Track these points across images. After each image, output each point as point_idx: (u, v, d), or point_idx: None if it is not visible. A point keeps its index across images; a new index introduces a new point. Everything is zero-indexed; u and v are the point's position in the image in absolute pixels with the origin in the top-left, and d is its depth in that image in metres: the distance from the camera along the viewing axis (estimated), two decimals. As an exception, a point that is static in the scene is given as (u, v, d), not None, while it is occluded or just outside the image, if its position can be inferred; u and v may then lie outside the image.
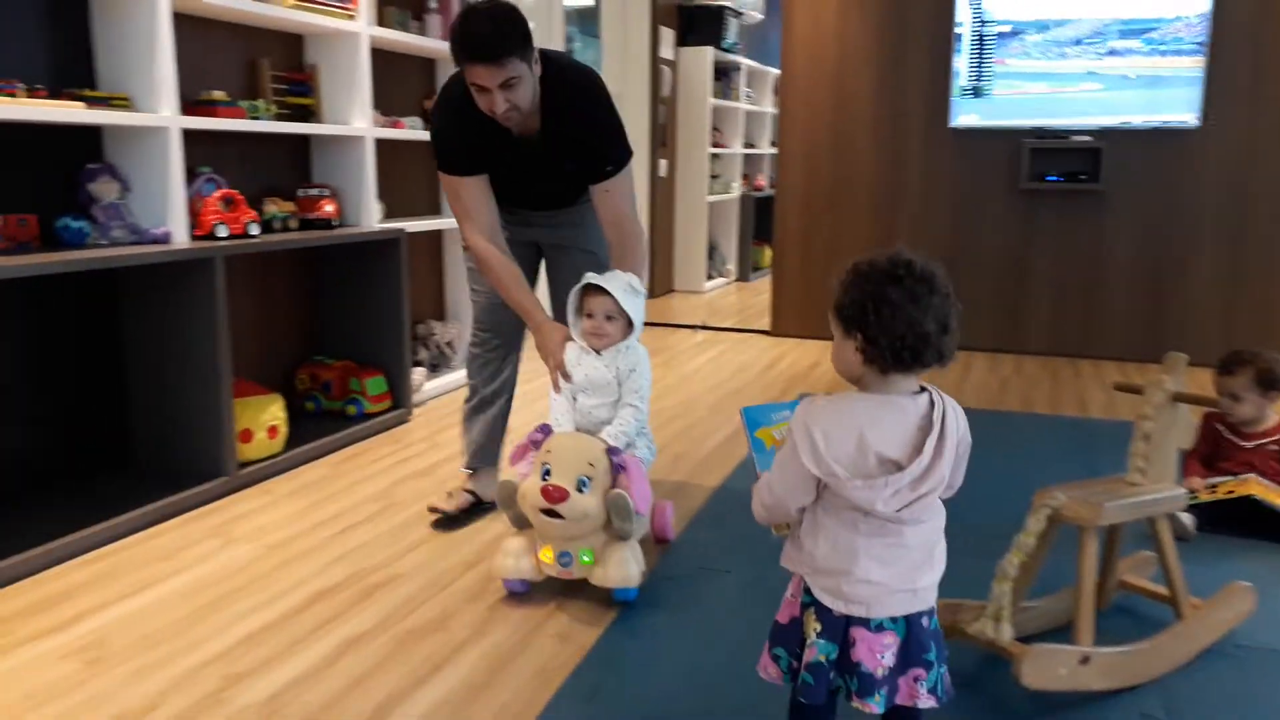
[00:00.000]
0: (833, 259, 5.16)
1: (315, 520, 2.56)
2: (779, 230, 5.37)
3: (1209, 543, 2.40)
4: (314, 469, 2.99)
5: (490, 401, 2.61)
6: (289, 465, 2.97)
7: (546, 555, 2.03)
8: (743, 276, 7.82)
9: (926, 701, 1.32)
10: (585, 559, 2.02)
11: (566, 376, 2.19)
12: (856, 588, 1.29)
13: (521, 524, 2.09)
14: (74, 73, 2.59)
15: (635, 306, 2.15)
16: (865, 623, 1.30)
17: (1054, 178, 4.74)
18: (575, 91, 2.25)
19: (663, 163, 6.71)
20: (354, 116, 3.40)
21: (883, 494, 1.25)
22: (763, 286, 7.17)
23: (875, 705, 1.30)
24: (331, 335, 3.54)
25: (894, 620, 1.31)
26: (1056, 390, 4.17)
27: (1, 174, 2.44)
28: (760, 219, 7.69)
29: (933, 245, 4.94)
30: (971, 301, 4.89)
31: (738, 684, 1.74)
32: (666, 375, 4.41)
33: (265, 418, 2.89)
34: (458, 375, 4.01)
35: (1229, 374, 2.58)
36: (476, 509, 2.60)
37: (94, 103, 2.48)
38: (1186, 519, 2.41)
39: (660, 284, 6.90)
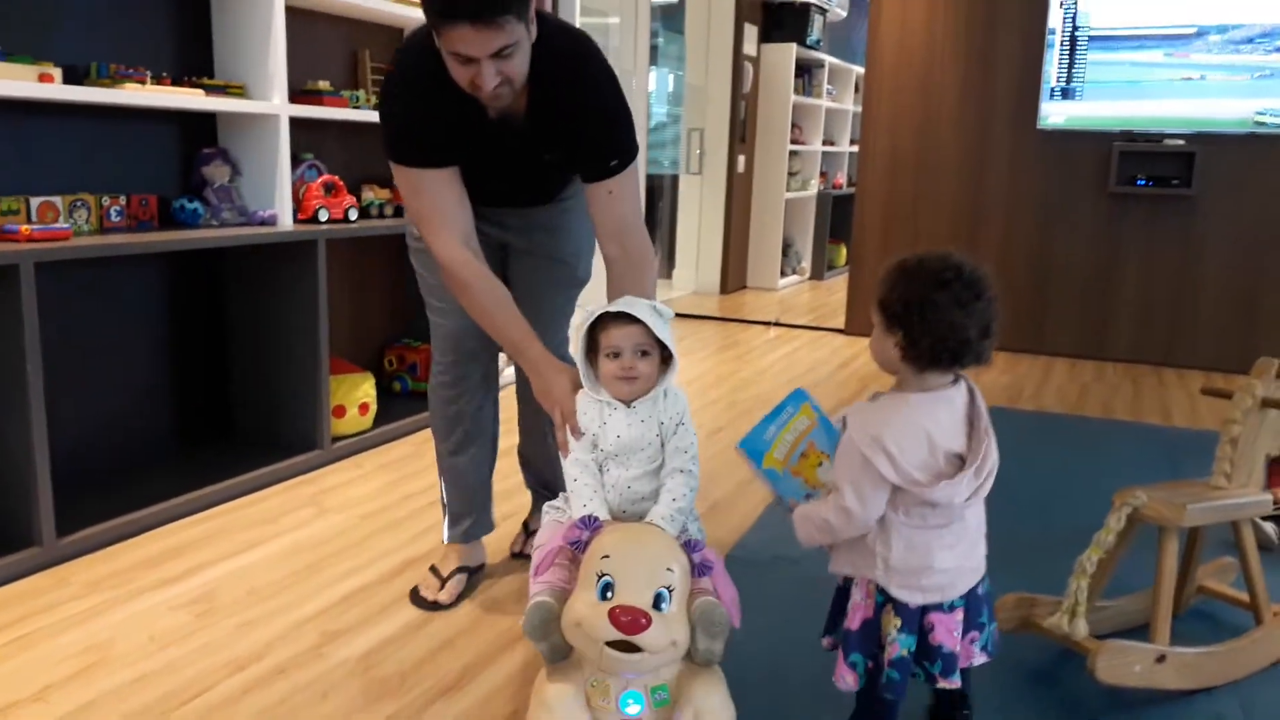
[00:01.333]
0: (911, 258, 5.15)
1: (403, 493, 2.68)
2: (858, 228, 5.36)
3: (1294, 554, 2.37)
4: (400, 446, 3.11)
5: (470, 453, 2.08)
6: (378, 441, 3.10)
7: (602, 696, 1.36)
8: (817, 275, 7.80)
9: (980, 659, 1.42)
10: (660, 699, 1.36)
11: (576, 432, 1.63)
12: (935, 578, 1.36)
13: (559, 655, 1.39)
14: (194, 62, 2.75)
15: (668, 335, 1.57)
16: (939, 606, 1.36)
17: (1144, 182, 4.65)
18: (574, 64, 1.73)
19: (741, 158, 6.74)
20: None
21: (960, 490, 1.31)
22: (837, 285, 7.15)
23: (957, 680, 1.37)
24: (420, 319, 3.65)
25: (962, 597, 1.39)
26: (1139, 397, 4.10)
27: (127, 156, 2.60)
28: (836, 217, 7.66)
29: (1016, 249, 4.89)
30: (1054, 306, 4.89)
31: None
32: (740, 369, 4.45)
33: (358, 395, 3.02)
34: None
35: None
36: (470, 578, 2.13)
37: (212, 90, 2.63)
38: (1270, 528, 2.38)
39: (734, 280, 6.93)
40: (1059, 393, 4.15)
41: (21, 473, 2.09)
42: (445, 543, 2.14)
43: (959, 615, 1.38)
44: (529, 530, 2.35)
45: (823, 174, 7.99)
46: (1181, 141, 4.57)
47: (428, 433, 3.39)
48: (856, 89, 8.17)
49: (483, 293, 1.76)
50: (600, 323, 1.58)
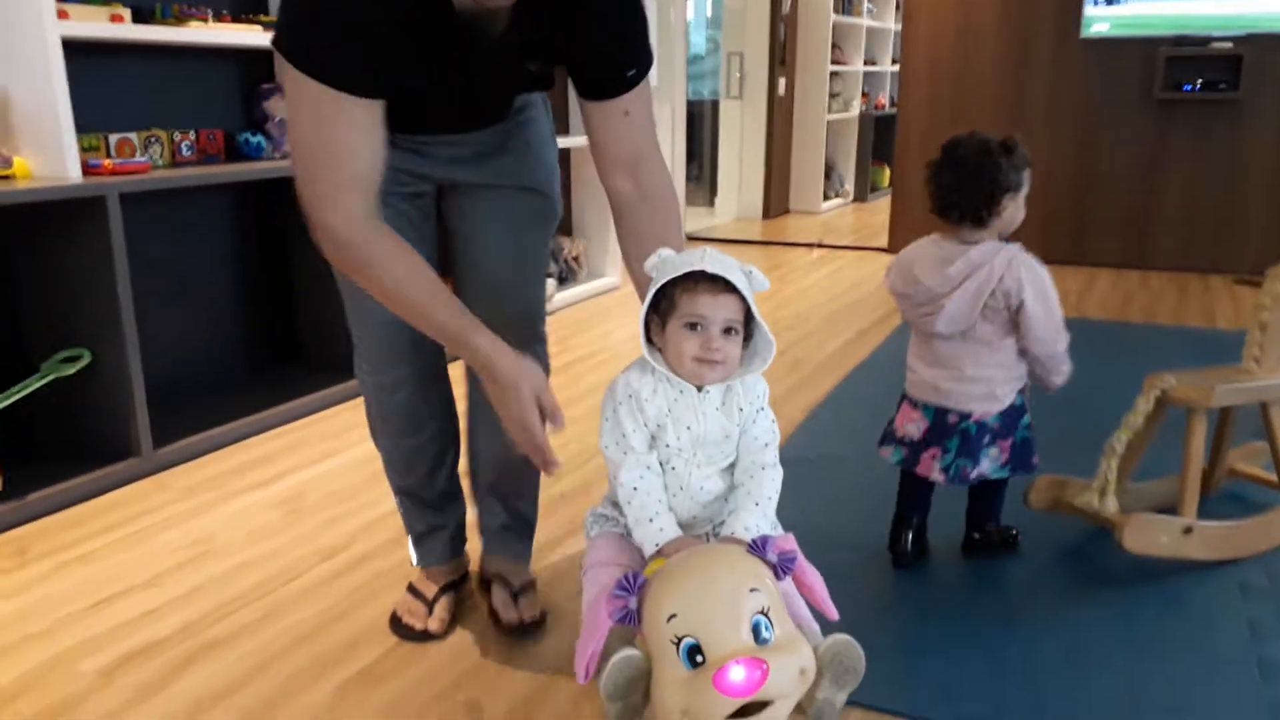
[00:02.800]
0: (953, 175, 5.14)
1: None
2: (900, 147, 5.36)
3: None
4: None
5: (423, 468, 1.65)
6: (438, 362, 3.25)
7: None
8: (860, 197, 7.78)
9: (937, 476, 1.76)
10: None
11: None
12: (910, 375, 1.83)
13: (632, 715, 1.09)
14: (251, 0, 2.86)
15: (757, 312, 1.21)
16: (911, 401, 1.82)
17: (1189, 87, 4.59)
18: None
19: (782, 81, 6.71)
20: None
21: (904, 305, 1.80)
22: (880, 207, 7.14)
23: (890, 454, 1.85)
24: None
25: (926, 406, 1.78)
26: (1183, 304, 4.12)
27: (194, 93, 2.73)
28: (880, 138, 7.61)
29: (1060, 161, 4.87)
30: (1097, 217, 4.87)
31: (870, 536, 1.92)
32: (783, 288, 4.53)
33: (417, 318, 3.16)
34: (585, 286, 4.25)
35: None
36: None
37: (269, 26, 2.74)
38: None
39: (776, 204, 6.96)
40: (1101, 300, 4.17)
41: (120, 390, 2.27)
42: (416, 566, 1.74)
43: (919, 416, 1.79)
44: (485, 579, 1.76)
45: (864, 95, 7.91)
46: (1230, 44, 4.48)
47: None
48: (897, 6, 8.03)
49: (394, 267, 1.27)
50: (682, 281, 1.16)
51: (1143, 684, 1.48)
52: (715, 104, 6.87)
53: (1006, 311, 1.68)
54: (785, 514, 1.28)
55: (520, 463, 1.44)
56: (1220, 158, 4.65)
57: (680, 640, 0.98)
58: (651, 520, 1.19)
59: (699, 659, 0.97)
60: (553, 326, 3.77)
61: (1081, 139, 4.88)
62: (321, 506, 2.16)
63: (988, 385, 1.73)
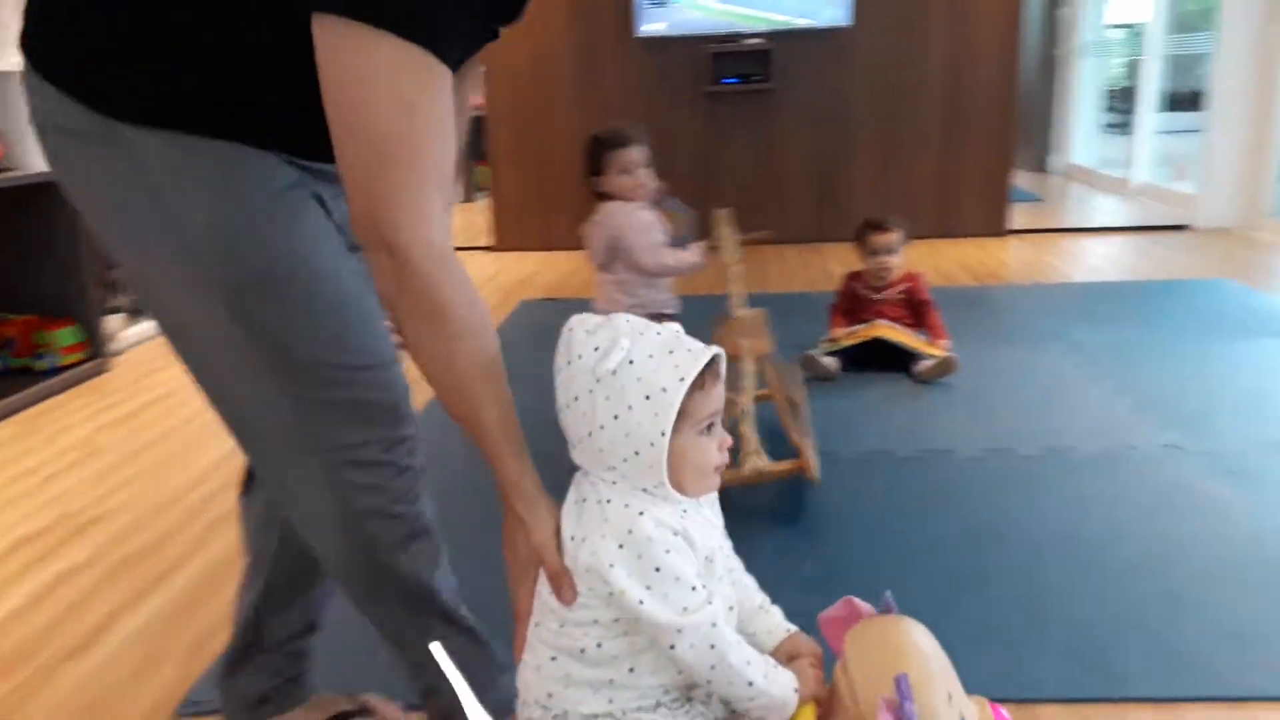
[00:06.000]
0: (545, 170, 5.37)
1: (13, 474, 2.48)
2: (493, 147, 5.49)
3: (850, 379, 2.87)
4: (4, 428, 2.85)
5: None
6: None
7: None
8: (466, 198, 7.85)
9: None
10: None
11: (569, 593, 0.92)
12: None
13: None
14: None
15: None
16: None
17: (730, 79, 5.15)
18: None
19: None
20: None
21: None
22: (486, 206, 7.25)
23: None
24: (10, 289, 3.31)
25: None
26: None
27: None
28: (480, 139, 7.71)
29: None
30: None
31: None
32: (389, 297, 4.45)
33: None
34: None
35: (885, 231, 3.01)
36: None
37: None
38: (830, 362, 2.85)
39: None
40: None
41: None
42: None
43: None
44: None
45: (458, 96, 7.96)
46: (760, 40, 5.09)
47: (40, 408, 3.11)
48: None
49: (474, 335, 0.94)
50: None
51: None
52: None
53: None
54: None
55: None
56: (762, 142, 5.29)
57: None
58: (767, 673, 0.91)
59: None
60: (123, 368, 3.43)
61: (653, 130, 5.29)
62: None
63: None
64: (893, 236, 3.01)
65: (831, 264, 4.55)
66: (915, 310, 2.99)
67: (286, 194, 0.98)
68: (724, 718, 0.94)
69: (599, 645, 0.90)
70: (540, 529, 0.93)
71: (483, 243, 5.77)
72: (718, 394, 0.91)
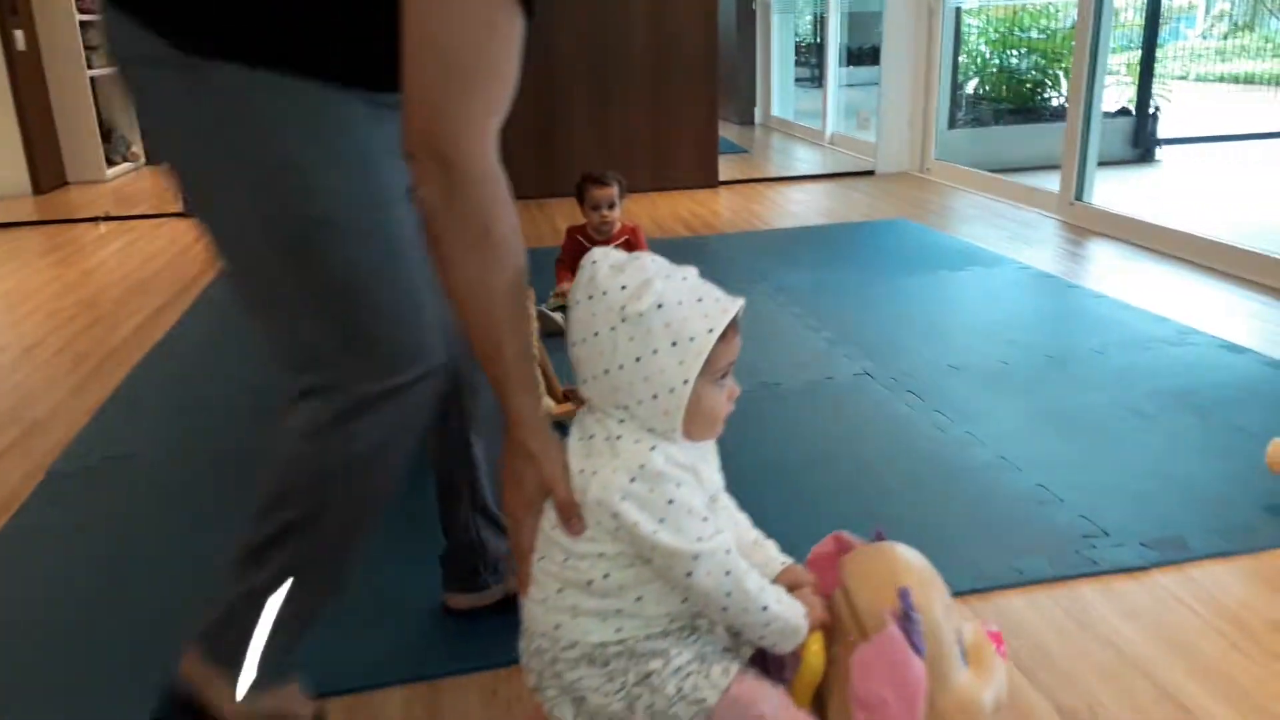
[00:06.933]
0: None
1: None
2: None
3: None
4: None
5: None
6: None
7: None
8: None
9: None
10: None
11: (576, 526, 0.92)
12: None
13: None
14: None
15: None
16: None
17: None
18: None
19: (19, 34, 5.73)
20: None
21: None
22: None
23: None
24: None
25: None
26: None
27: None
28: (162, 94, 6.99)
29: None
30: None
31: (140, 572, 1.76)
32: (65, 273, 3.97)
33: None
34: None
35: (604, 185, 3.03)
36: None
37: None
38: (560, 318, 2.87)
39: (48, 177, 6.01)
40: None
41: None
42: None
43: None
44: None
45: (134, 46, 7.16)
46: None
47: None
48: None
49: (514, 261, 0.95)
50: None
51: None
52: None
53: None
54: None
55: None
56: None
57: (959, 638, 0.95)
58: (780, 598, 0.93)
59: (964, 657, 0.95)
60: None
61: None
62: None
63: None
64: (612, 190, 3.05)
65: (557, 220, 4.57)
66: (635, 261, 3.05)
67: (361, 141, 1.01)
68: (729, 645, 0.96)
69: (606, 576, 0.90)
70: (550, 462, 0.93)
71: (176, 209, 5.26)
72: (736, 345, 0.92)
